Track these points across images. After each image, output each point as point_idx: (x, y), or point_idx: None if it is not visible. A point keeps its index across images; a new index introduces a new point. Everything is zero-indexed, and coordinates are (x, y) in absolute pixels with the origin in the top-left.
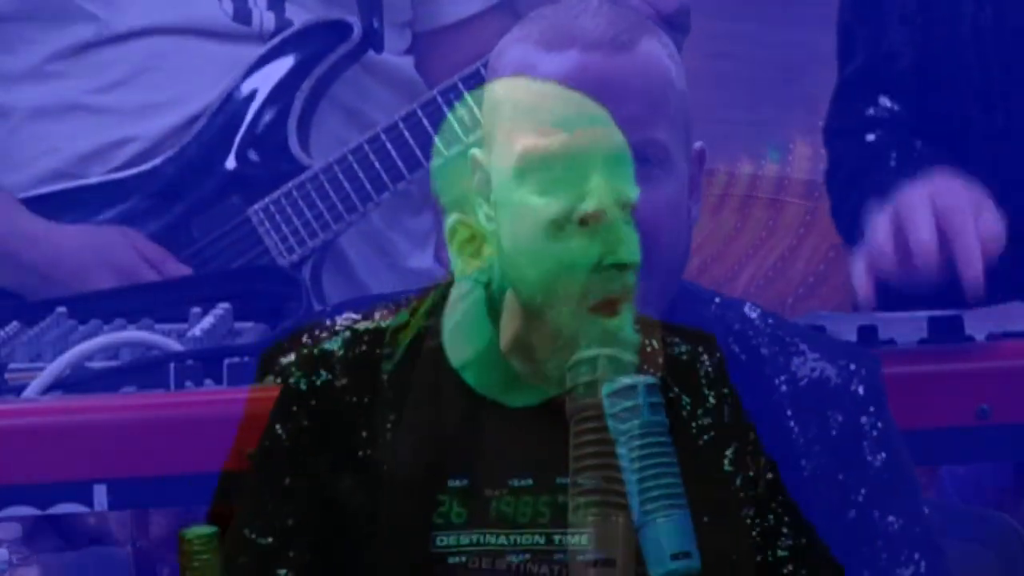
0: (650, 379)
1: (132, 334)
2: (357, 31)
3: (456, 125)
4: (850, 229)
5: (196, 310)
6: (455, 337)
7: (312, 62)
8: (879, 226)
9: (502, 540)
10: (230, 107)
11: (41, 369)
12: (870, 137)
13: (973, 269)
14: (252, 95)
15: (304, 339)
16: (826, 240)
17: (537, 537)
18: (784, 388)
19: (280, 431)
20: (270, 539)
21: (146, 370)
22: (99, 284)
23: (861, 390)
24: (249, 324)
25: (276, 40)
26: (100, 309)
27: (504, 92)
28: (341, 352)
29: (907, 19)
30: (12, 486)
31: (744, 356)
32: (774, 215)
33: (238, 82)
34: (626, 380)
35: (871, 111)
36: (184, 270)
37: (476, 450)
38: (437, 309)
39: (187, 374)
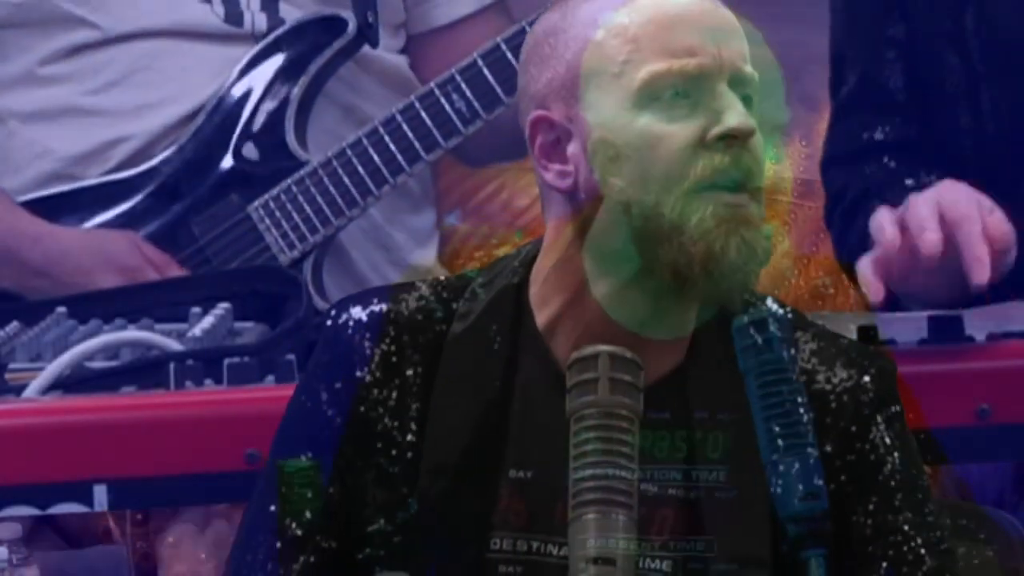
0: (780, 313)
1: (132, 334)
2: (352, 26)
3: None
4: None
5: (196, 310)
6: (596, 268)
7: (307, 57)
8: (884, 228)
9: (638, 474)
10: (226, 104)
11: (41, 369)
12: (868, 169)
13: (981, 269)
14: (248, 92)
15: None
16: (825, 239)
17: (674, 472)
18: (799, 384)
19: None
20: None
21: (146, 370)
22: (104, 287)
23: (875, 391)
24: (249, 324)
25: (271, 37)
26: (100, 309)
27: (605, 32)
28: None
29: (896, 41)
30: (12, 486)
31: (762, 342)
32: (773, 215)
33: (234, 79)
34: (752, 315)
35: (866, 135)
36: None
37: (475, 412)
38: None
39: (187, 374)
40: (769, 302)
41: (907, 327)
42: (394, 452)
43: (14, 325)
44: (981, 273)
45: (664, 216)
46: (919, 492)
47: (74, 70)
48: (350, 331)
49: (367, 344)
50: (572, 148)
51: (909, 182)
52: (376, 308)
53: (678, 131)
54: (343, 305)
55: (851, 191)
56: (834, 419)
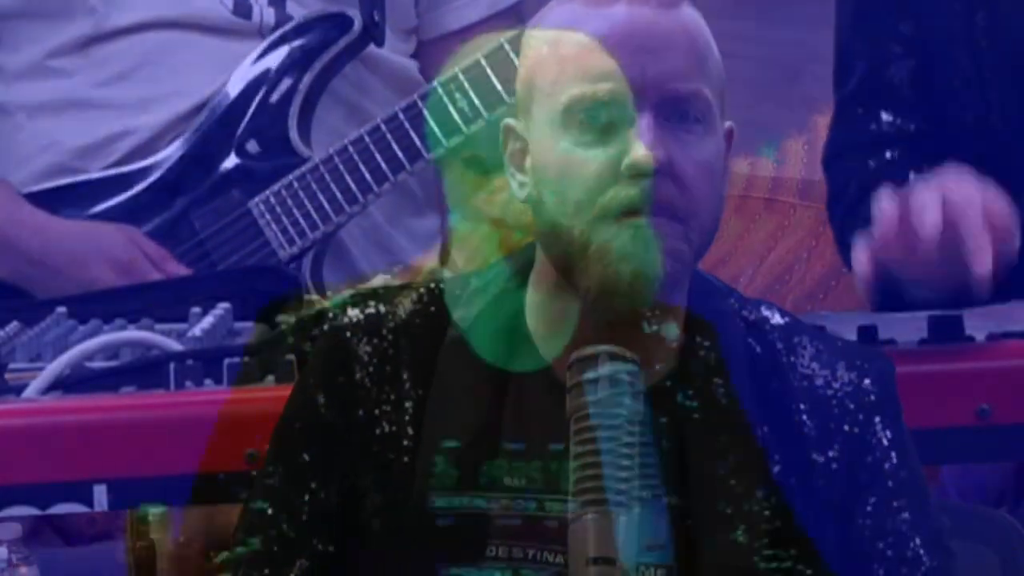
0: (630, 367)
1: (132, 334)
2: (358, 24)
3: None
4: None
5: (196, 310)
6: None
7: (313, 55)
8: (884, 207)
9: (493, 504)
10: (230, 99)
11: (41, 369)
12: (872, 163)
13: (982, 257)
14: (253, 88)
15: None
16: (825, 240)
17: (529, 503)
18: (798, 386)
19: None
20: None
21: (146, 370)
22: (99, 279)
23: (874, 392)
24: (249, 324)
25: (277, 33)
26: (100, 309)
27: (548, 48)
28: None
29: (903, 35)
30: (12, 486)
31: (759, 349)
32: (773, 215)
33: (239, 75)
34: (598, 372)
35: (872, 127)
36: (184, 270)
37: (470, 414)
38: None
39: (187, 374)
40: (763, 308)
41: (907, 327)
42: (391, 456)
43: (14, 325)
44: (982, 262)
45: (575, 241)
46: (918, 492)
47: (82, 63)
48: (348, 333)
49: (364, 346)
50: (529, 161)
51: (912, 176)
52: (372, 310)
53: (592, 159)
54: (340, 306)
55: (853, 186)
56: (836, 423)
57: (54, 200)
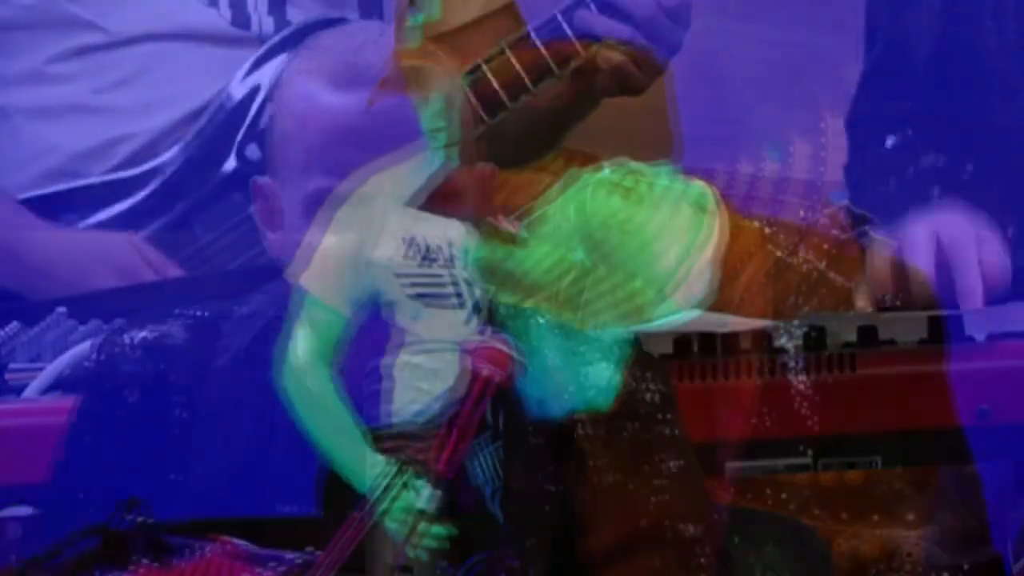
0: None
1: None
2: None
3: None
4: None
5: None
6: None
7: None
8: (878, 262)
9: None
10: (230, 104)
11: (41, 369)
12: (889, 142)
13: (972, 299)
14: (252, 92)
15: None
16: (826, 240)
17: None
18: (575, 394)
19: None
20: None
21: None
22: (102, 287)
23: (652, 398)
24: None
25: (276, 37)
26: (100, 309)
27: (295, 124)
28: None
29: (931, 9)
30: (12, 486)
31: (535, 361)
32: (773, 216)
33: (239, 79)
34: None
35: (891, 102)
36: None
37: None
38: None
39: None
40: None
41: (907, 327)
42: None
43: (14, 325)
44: (972, 303)
45: None
46: (700, 497)
47: (80, 69)
48: None
49: None
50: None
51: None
52: None
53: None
54: None
55: (869, 161)
56: (601, 418)
57: (53, 205)
